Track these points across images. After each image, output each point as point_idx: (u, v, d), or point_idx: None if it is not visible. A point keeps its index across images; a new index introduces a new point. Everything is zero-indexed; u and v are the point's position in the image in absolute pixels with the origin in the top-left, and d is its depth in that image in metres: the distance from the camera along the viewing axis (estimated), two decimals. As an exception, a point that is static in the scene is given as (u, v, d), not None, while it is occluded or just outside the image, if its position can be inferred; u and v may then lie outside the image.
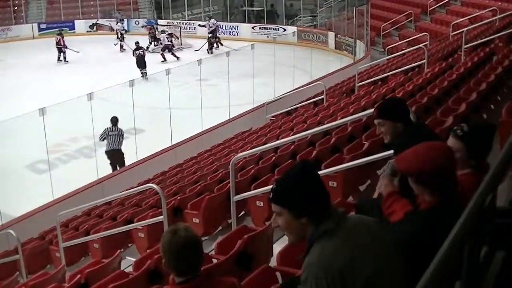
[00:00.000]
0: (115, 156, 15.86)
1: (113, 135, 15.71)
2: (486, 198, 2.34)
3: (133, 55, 27.23)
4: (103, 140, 15.78)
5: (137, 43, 27.75)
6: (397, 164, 3.26)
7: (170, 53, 30.38)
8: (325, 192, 2.82)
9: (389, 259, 2.73)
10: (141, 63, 26.76)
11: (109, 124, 15.69)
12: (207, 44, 31.85)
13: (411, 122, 4.57)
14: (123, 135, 15.95)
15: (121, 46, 32.44)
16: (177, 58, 29.90)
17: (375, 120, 4.59)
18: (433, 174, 3.02)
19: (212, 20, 32.76)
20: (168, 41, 31.05)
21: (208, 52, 31.19)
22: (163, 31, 32.67)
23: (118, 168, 15.84)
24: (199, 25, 35.78)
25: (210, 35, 32.34)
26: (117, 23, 35.07)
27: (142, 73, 26.44)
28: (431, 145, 3.21)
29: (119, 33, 33.30)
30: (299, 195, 2.76)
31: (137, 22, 38.21)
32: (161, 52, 30.36)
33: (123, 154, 15.94)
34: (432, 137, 3.84)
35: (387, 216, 3.67)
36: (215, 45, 32.15)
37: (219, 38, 32.70)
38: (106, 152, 15.83)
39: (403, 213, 3.38)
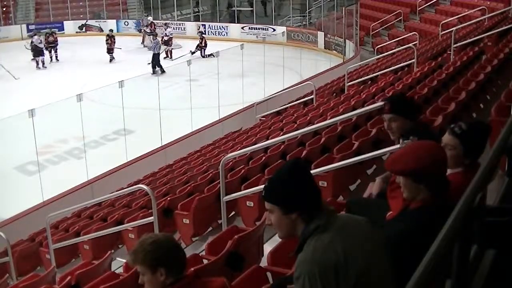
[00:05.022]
0: (157, 56, 27.09)
1: (157, 44, 27.51)
2: (476, 197, 2.35)
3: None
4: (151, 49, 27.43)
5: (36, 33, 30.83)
6: (391, 166, 3.27)
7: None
8: (315, 190, 2.84)
9: (379, 256, 2.75)
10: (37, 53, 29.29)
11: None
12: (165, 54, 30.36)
13: (416, 120, 4.61)
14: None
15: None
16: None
17: (386, 115, 4.58)
18: (431, 170, 3.04)
19: (169, 30, 31.64)
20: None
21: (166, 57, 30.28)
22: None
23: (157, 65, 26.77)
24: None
25: (164, 45, 30.53)
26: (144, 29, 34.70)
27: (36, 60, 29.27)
28: (424, 144, 3.24)
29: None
30: (288, 192, 2.79)
31: (126, 23, 38.12)
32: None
33: None
34: (433, 136, 3.87)
35: (389, 198, 3.70)
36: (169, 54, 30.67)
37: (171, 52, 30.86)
38: (153, 54, 27.04)
39: (402, 203, 3.39)
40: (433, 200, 3.06)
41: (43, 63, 29.51)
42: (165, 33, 31.14)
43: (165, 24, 33.56)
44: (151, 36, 31.36)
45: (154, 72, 26.41)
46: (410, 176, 3.11)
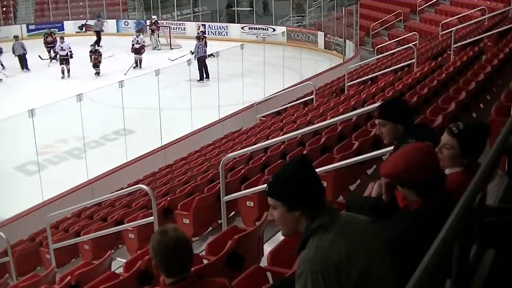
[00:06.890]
0: (204, 60, 24.90)
1: (201, 46, 25.56)
2: (476, 197, 2.35)
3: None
4: (194, 54, 25.24)
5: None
6: (380, 170, 3.30)
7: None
8: (319, 187, 2.85)
9: (380, 256, 2.75)
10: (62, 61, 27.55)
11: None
12: (134, 63, 28.63)
13: (412, 123, 4.59)
14: (206, 44, 26.54)
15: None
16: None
17: (376, 120, 4.61)
18: (411, 175, 3.05)
19: (141, 36, 29.79)
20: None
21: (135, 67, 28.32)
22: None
23: (203, 70, 24.76)
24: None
25: (135, 54, 28.87)
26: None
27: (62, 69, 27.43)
28: (408, 148, 3.23)
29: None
30: (292, 188, 2.79)
31: (126, 23, 38.10)
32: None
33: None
34: (432, 137, 3.86)
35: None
36: (139, 63, 28.71)
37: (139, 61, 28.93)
38: (198, 58, 24.82)
39: (401, 202, 3.40)
40: (429, 202, 3.06)
41: (68, 71, 27.37)
42: (137, 40, 29.10)
43: (138, 31, 32.12)
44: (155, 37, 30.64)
45: (204, 78, 24.98)
46: (394, 181, 3.15)
